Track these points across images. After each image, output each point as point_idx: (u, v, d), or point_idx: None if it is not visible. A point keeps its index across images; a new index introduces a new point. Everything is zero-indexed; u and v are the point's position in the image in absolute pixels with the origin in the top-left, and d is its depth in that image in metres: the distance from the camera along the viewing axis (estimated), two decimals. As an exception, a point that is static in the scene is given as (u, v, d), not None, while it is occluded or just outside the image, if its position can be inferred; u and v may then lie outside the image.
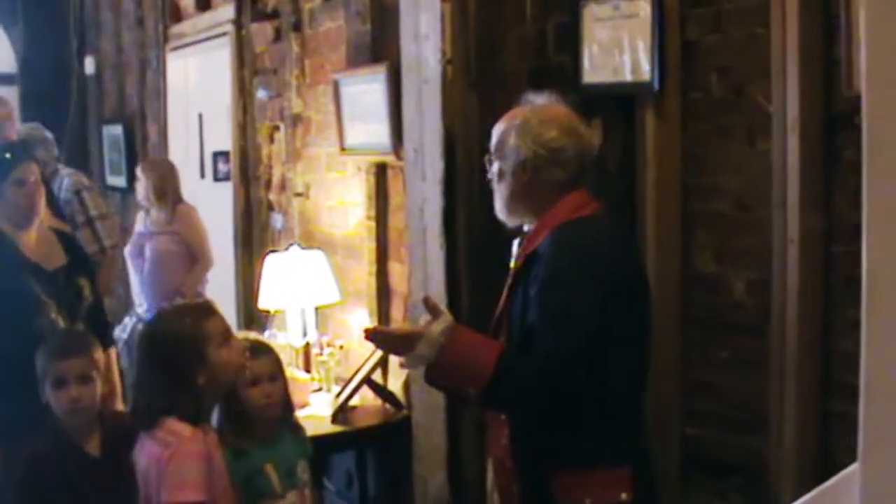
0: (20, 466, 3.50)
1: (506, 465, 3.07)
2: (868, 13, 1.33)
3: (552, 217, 2.99)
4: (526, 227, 3.10)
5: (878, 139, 1.31)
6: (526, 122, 3.03)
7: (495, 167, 3.09)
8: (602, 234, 3.02)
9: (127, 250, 6.97)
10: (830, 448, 3.36)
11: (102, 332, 4.34)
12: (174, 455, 3.05)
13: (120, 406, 4.31)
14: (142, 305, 6.86)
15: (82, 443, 3.51)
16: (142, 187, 6.87)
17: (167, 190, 6.84)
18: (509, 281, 3.09)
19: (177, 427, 3.11)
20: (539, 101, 3.13)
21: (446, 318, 2.92)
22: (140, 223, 7.02)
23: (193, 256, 6.81)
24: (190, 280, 6.76)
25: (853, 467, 1.39)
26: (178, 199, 6.90)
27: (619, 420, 2.97)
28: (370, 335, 3.04)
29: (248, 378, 3.46)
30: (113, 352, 4.47)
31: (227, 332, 3.29)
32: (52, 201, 4.73)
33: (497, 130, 3.11)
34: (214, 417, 3.42)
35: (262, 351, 3.64)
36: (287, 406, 3.68)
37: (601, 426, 2.90)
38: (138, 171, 7.00)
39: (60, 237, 4.37)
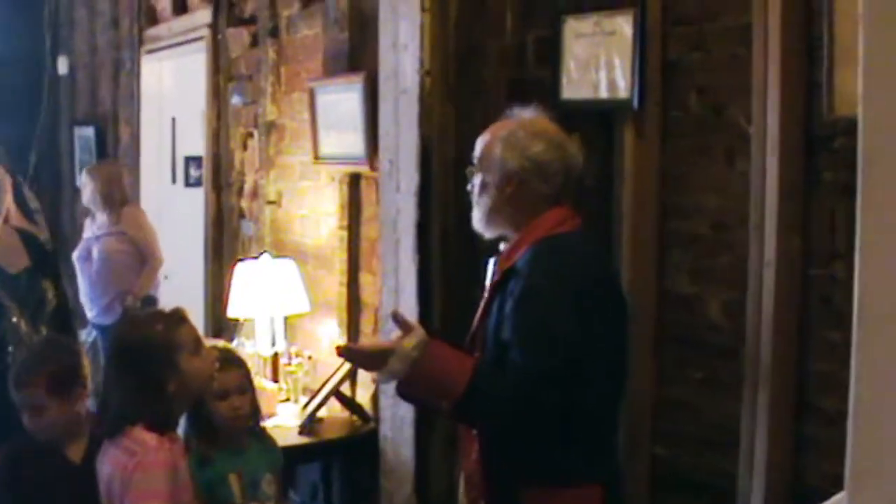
0: None
1: (475, 480, 3.04)
2: (865, 32, 1.31)
3: (532, 232, 2.96)
4: (502, 245, 3.08)
5: (873, 158, 1.29)
6: (513, 135, 3.01)
7: (478, 179, 3.06)
8: (582, 251, 3.01)
9: (75, 255, 6.94)
10: (803, 471, 3.34)
11: (68, 335, 4.28)
12: (139, 464, 3.01)
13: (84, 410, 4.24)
14: (91, 311, 6.81)
15: (64, 449, 3.45)
16: (87, 191, 6.89)
17: (113, 193, 6.85)
18: (486, 295, 3.06)
19: (143, 436, 3.06)
20: (525, 114, 3.11)
21: (418, 333, 2.89)
22: (87, 229, 7.00)
23: (142, 257, 6.79)
24: (141, 281, 6.74)
25: (839, 496, 1.36)
26: (124, 201, 6.90)
27: (593, 438, 2.95)
28: (342, 352, 3.02)
29: (217, 390, 3.43)
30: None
31: (198, 341, 3.26)
32: (21, 203, 4.65)
33: (482, 142, 3.09)
34: (181, 425, 3.38)
35: (232, 363, 3.59)
36: (255, 416, 3.64)
37: (574, 443, 2.88)
38: (83, 177, 7.00)
39: (25, 239, 4.29)
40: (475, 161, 3.09)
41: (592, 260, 3.04)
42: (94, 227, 6.94)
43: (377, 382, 3.15)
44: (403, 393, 2.99)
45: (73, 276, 7.01)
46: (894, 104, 1.28)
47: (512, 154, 2.97)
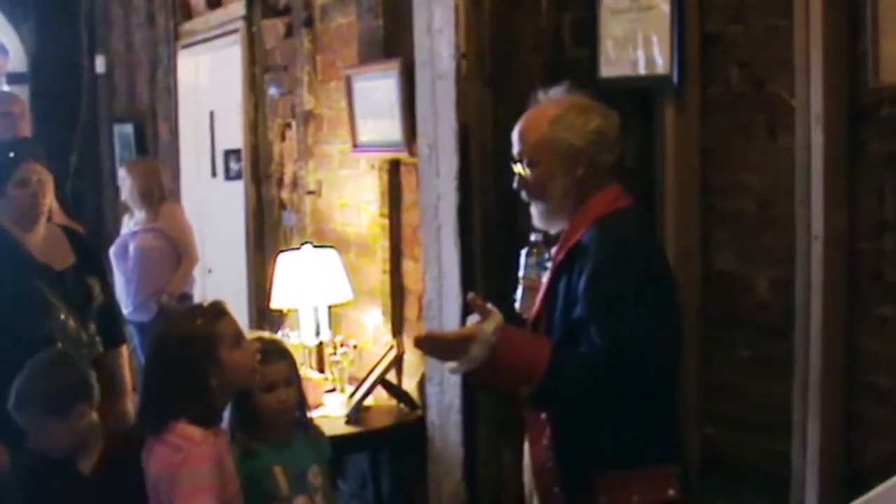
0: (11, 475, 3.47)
1: (547, 466, 3.01)
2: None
3: (591, 209, 2.94)
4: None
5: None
6: (563, 117, 2.96)
7: (536, 172, 2.99)
8: (642, 227, 3.02)
9: (112, 251, 6.96)
10: (855, 451, 3.29)
11: (115, 331, 4.33)
12: (186, 459, 3.01)
13: (129, 406, 4.25)
14: (126, 307, 6.82)
15: (75, 462, 3.45)
16: (126, 188, 6.91)
17: (152, 189, 6.88)
18: (549, 275, 3.01)
19: (188, 431, 3.06)
20: (555, 94, 3.06)
21: (496, 317, 2.83)
22: (125, 225, 7.03)
23: (178, 254, 6.81)
24: (176, 278, 6.76)
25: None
26: (163, 198, 6.92)
27: (664, 417, 2.95)
28: (420, 343, 2.94)
29: (263, 383, 3.40)
30: (125, 350, 4.44)
31: (238, 334, 3.25)
32: (64, 200, 4.68)
33: (526, 133, 3.01)
34: (225, 417, 3.37)
35: (278, 354, 3.55)
36: (302, 408, 3.62)
37: (647, 423, 2.87)
38: (122, 173, 7.02)
39: (70, 236, 4.31)
40: (525, 155, 3.01)
41: (651, 237, 3.07)
42: (132, 223, 6.96)
43: (455, 372, 3.08)
44: (477, 381, 2.97)
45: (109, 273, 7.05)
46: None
47: (573, 134, 2.93)
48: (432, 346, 3.01)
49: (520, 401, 2.99)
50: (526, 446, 3.14)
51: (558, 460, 2.96)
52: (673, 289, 2.97)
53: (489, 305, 2.88)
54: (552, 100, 3.05)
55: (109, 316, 4.32)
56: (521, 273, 3.13)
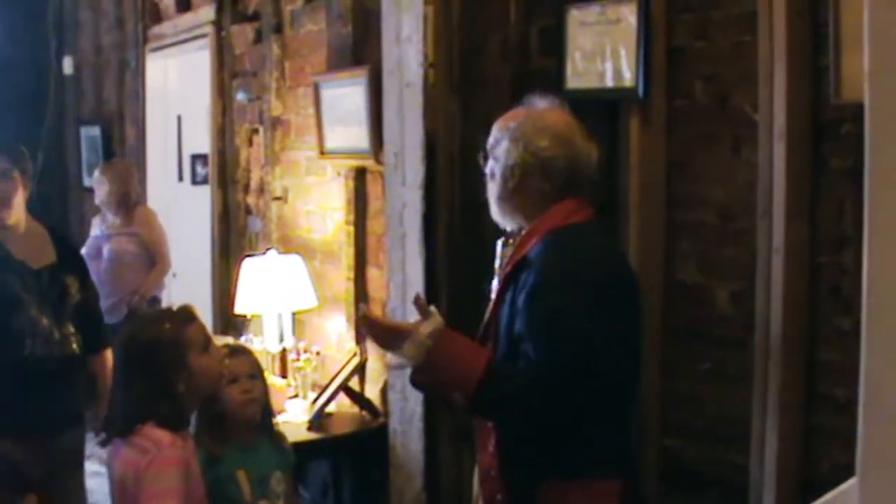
0: None
1: (492, 473, 3.00)
2: (871, 16, 1.29)
3: (543, 223, 2.93)
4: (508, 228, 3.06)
5: (879, 144, 1.27)
6: (520, 127, 2.96)
7: (489, 166, 3.03)
8: (594, 241, 2.97)
9: (84, 252, 6.90)
10: (814, 462, 3.31)
11: (94, 331, 4.29)
12: (153, 462, 2.99)
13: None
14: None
15: (25, 465, 3.44)
16: (103, 191, 6.84)
17: (129, 193, 6.85)
18: (498, 287, 3.02)
19: (156, 434, 3.05)
20: (540, 105, 3.06)
21: (435, 320, 2.86)
22: (96, 227, 6.97)
23: (151, 259, 6.78)
24: (148, 282, 6.73)
25: (851, 482, 1.34)
26: (137, 202, 6.90)
27: (610, 431, 2.92)
28: (362, 320, 2.99)
29: (228, 376, 3.42)
30: (108, 354, 4.32)
31: (207, 339, 3.26)
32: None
33: (495, 129, 3.05)
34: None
35: (242, 350, 3.65)
36: (266, 412, 3.63)
37: (592, 436, 2.85)
38: (98, 175, 6.96)
39: (53, 235, 4.31)
40: (488, 147, 3.05)
41: (605, 251, 3.01)
42: (104, 225, 6.91)
43: (389, 367, 3.10)
44: (416, 382, 2.96)
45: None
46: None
47: (515, 147, 2.94)
48: (372, 327, 3.01)
49: (455, 407, 3.00)
50: (475, 452, 3.16)
51: (503, 468, 2.95)
52: (626, 303, 2.93)
53: (432, 309, 2.91)
54: (528, 108, 3.06)
55: (90, 318, 4.28)
56: (496, 263, 3.15)
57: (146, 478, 2.98)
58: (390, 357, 2.96)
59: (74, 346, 4.14)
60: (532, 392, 2.77)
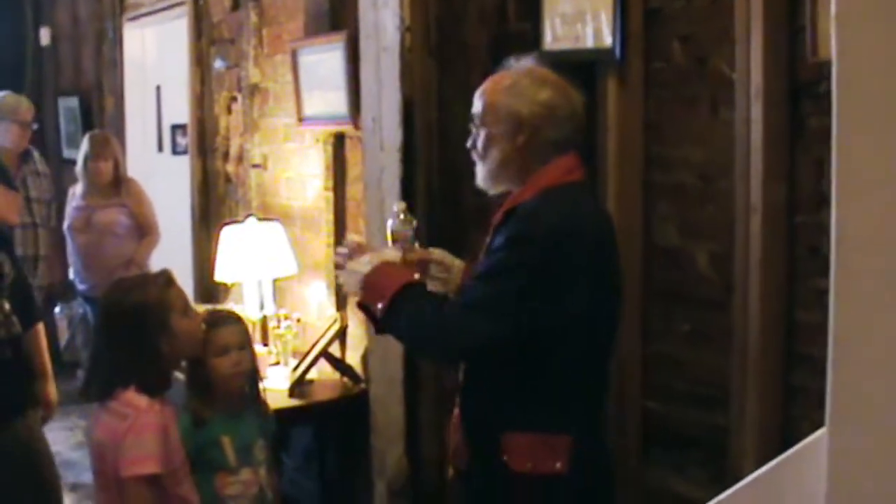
0: None
1: (457, 426, 3.07)
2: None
3: (539, 179, 2.92)
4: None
5: (847, 103, 1.26)
6: (517, 84, 2.95)
7: (482, 134, 3.00)
8: (584, 203, 2.97)
9: (66, 225, 6.87)
10: (793, 422, 3.32)
11: (28, 308, 4.16)
12: (132, 427, 3.03)
13: (51, 387, 4.20)
14: (84, 283, 6.77)
15: None
16: (107, 167, 6.74)
17: (119, 166, 6.80)
18: (488, 237, 3.02)
19: (134, 399, 3.08)
20: (522, 64, 3.05)
21: (393, 254, 3.08)
22: (78, 198, 6.89)
23: (140, 229, 6.75)
24: (140, 253, 6.70)
25: (819, 433, 1.34)
26: (124, 173, 6.86)
27: (569, 387, 2.91)
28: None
29: (218, 346, 3.45)
30: (41, 329, 4.29)
31: (187, 302, 3.33)
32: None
33: (483, 95, 3.02)
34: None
35: (232, 320, 3.61)
36: (253, 380, 3.63)
37: (545, 393, 2.87)
38: (93, 149, 6.82)
39: None
40: (477, 116, 3.02)
41: (593, 213, 3.01)
42: (89, 197, 6.84)
43: (343, 288, 3.21)
44: (360, 302, 3.05)
45: (58, 247, 6.99)
46: (867, 46, 1.25)
47: (520, 102, 2.92)
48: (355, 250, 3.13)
49: (378, 326, 3.06)
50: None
51: (465, 419, 3.02)
52: (604, 268, 2.93)
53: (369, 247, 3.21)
54: (514, 67, 3.05)
55: (22, 294, 4.15)
56: (388, 232, 3.28)
57: (125, 443, 3.00)
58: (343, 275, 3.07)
59: (17, 326, 3.97)
60: (440, 316, 2.84)
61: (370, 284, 2.95)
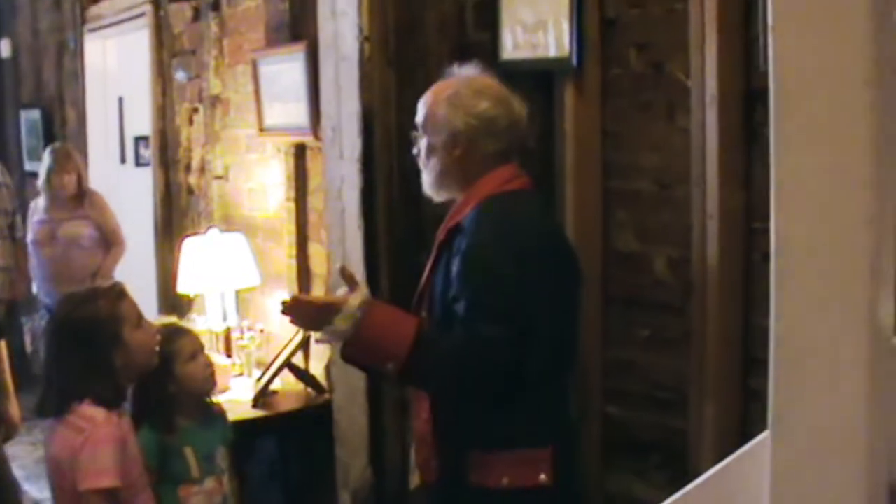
0: None
1: (427, 439, 3.02)
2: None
3: (479, 190, 2.92)
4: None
5: (784, 111, 1.29)
6: (457, 94, 2.96)
7: (424, 142, 3.01)
8: (529, 209, 2.97)
9: (29, 238, 6.84)
10: (751, 425, 3.34)
11: None
12: (88, 440, 3.00)
13: (13, 405, 4.17)
14: (49, 296, 6.73)
15: None
16: (71, 180, 6.72)
17: (83, 179, 6.78)
18: (433, 255, 3.02)
19: (90, 412, 3.06)
20: (466, 72, 3.06)
21: (362, 292, 2.87)
22: (36, 212, 6.87)
23: (106, 241, 6.73)
24: (107, 264, 6.68)
25: (764, 435, 1.36)
26: (87, 186, 6.85)
27: (543, 399, 2.92)
28: (287, 307, 2.95)
29: (185, 354, 3.48)
30: (3, 346, 4.27)
31: (139, 314, 3.29)
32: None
33: (425, 104, 3.04)
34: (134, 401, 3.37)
35: (184, 330, 3.68)
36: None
37: (525, 405, 2.86)
38: (57, 163, 6.79)
39: None
40: (419, 124, 3.04)
41: (540, 218, 3.01)
42: (51, 210, 6.81)
43: (320, 342, 3.11)
44: (347, 356, 2.95)
45: (22, 259, 6.96)
46: (802, 56, 1.28)
47: (457, 113, 2.93)
48: (299, 311, 2.98)
49: (389, 377, 3.02)
50: (411, 419, 3.17)
51: (436, 434, 2.97)
52: (561, 271, 2.93)
53: (358, 279, 2.94)
54: (457, 76, 3.06)
55: None
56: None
57: (82, 457, 2.98)
58: (321, 335, 2.94)
59: None
60: (461, 360, 2.79)
61: (366, 346, 2.87)
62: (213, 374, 3.60)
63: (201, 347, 3.62)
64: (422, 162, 3.04)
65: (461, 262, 2.82)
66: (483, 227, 2.85)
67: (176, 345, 3.46)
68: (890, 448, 1.30)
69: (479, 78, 3.04)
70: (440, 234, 3.01)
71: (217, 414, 3.70)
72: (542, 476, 2.85)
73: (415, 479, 3.18)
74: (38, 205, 6.92)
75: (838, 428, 1.24)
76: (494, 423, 2.87)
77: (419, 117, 3.04)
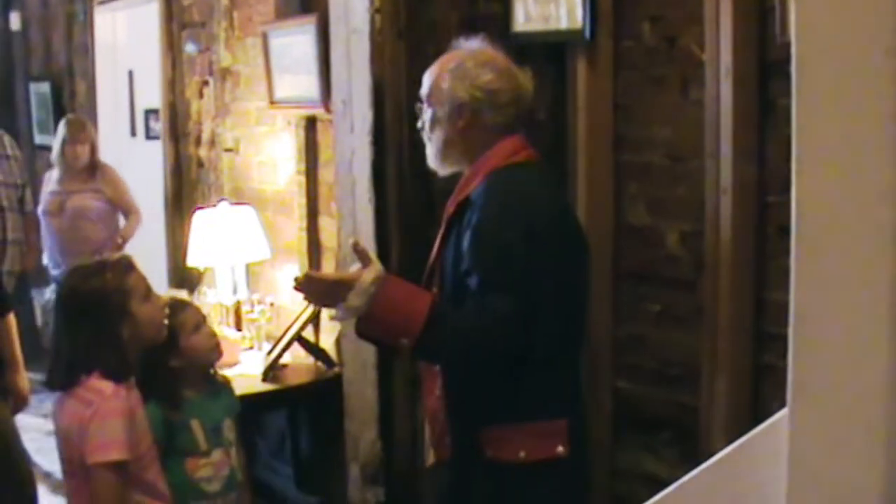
0: None
1: (439, 416, 3.01)
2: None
3: (486, 163, 2.92)
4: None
5: (806, 82, 1.26)
6: (461, 66, 2.95)
7: (428, 114, 3.01)
8: (537, 182, 2.96)
9: (41, 210, 6.84)
10: (762, 401, 3.33)
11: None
12: (97, 413, 2.99)
13: (22, 378, 4.17)
14: (58, 268, 6.73)
15: None
16: (84, 151, 6.72)
17: (95, 151, 6.78)
18: (442, 229, 3.01)
19: (99, 384, 3.04)
20: (471, 45, 3.05)
21: (376, 267, 2.85)
22: (49, 182, 6.88)
23: (114, 215, 6.75)
24: (125, 231, 6.72)
25: (782, 413, 1.34)
26: (98, 158, 6.86)
27: (556, 372, 2.91)
28: (300, 284, 2.93)
29: (190, 325, 3.50)
30: (12, 319, 4.25)
31: (147, 288, 3.26)
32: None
33: (430, 76, 3.03)
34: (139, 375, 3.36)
35: (187, 303, 3.72)
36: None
37: (537, 379, 2.85)
38: (70, 134, 6.78)
39: None
40: (424, 96, 3.03)
41: (547, 191, 3.00)
42: (64, 182, 6.81)
43: (335, 319, 3.09)
44: (362, 332, 2.94)
45: (32, 232, 6.95)
46: (826, 25, 1.25)
47: (461, 85, 2.92)
48: (312, 288, 2.97)
49: (402, 353, 3.02)
50: (423, 396, 3.16)
51: (449, 411, 2.96)
52: (567, 244, 2.92)
53: (371, 255, 2.90)
54: (463, 48, 3.05)
55: None
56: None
57: (90, 430, 2.97)
58: (335, 311, 2.92)
59: None
60: (475, 333, 2.78)
61: (380, 322, 2.85)
62: (217, 345, 3.62)
63: (204, 318, 3.64)
64: (426, 134, 3.04)
65: (472, 236, 2.81)
66: (491, 200, 2.84)
67: (179, 318, 3.45)
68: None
69: (485, 50, 3.03)
70: (449, 208, 3.00)
71: (223, 385, 3.70)
72: (560, 448, 2.86)
73: (430, 458, 3.16)
74: (52, 176, 6.93)
75: (859, 403, 1.21)
76: (508, 397, 2.86)
77: (424, 89, 3.04)
